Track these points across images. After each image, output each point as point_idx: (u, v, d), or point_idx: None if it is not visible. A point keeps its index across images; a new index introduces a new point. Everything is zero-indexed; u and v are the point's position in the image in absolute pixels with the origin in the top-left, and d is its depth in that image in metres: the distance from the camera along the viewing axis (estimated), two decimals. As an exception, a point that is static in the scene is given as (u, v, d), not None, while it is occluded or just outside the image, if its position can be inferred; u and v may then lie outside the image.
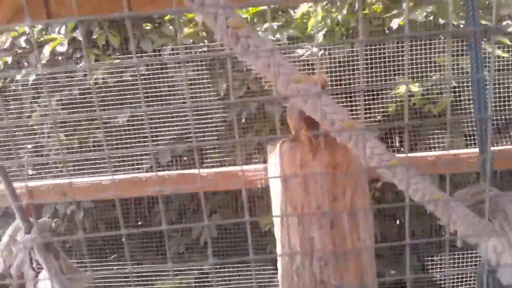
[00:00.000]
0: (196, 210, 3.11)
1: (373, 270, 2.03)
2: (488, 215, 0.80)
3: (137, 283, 2.95)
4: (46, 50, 2.88)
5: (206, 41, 3.01)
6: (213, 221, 2.97)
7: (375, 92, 2.85)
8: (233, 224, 2.95)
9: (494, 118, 2.67)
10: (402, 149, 3.02)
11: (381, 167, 0.67)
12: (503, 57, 2.70)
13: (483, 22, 2.73)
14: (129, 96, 2.79)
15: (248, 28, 0.58)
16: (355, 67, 2.78)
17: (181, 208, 3.03)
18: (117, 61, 2.92)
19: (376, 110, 2.89)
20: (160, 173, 2.35)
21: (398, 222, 3.08)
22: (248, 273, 2.75)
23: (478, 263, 2.69)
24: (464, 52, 2.76)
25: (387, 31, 2.82)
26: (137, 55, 2.88)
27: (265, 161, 2.11)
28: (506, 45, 2.72)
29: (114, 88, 2.81)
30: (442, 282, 2.90)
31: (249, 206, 2.95)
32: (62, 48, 2.88)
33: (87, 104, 2.83)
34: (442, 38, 2.84)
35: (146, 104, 2.79)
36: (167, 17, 3.05)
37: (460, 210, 0.76)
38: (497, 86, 2.74)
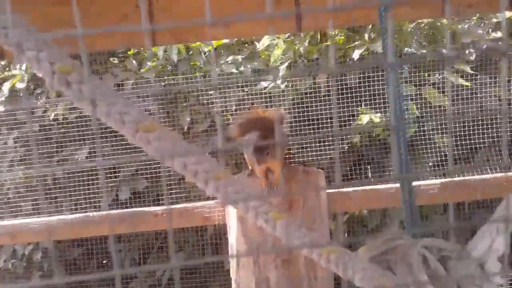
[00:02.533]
0: (161, 248, 3.02)
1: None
2: (392, 267, 0.75)
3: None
4: (5, 87, 2.84)
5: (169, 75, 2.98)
6: (178, 259, 2.88)
7: (341, 124, 2.82)
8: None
9: (457, 147, 2.64)
10: (372, 179, 2.97)
11: (258, 221, 0.62)
12: (466, 86, 2.69)
13: (444, 51, 2.74)
14: (90, 132, 2.73)
15: (80, 71, 0.53)
16: (317, 98, 2.75)
17: (145, 247, 2.94)
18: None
19: (342, 142, 2.85)
20: (113, 212, 2.28)
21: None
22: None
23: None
24: (426, 82, 2.76)
25: (349, 63, 2.81)
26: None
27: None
28: (468, 74, 2.72)
29: (74, 124, 2.76)
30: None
31: (215, 243, 2.87)
32: (21, 85, 2.83)
33: (46, 141, 2.77)
34: (407, 67, 2.83)
35: (107, 140, 2.74)
36: (131, 51, 3.02)
37: (358, 263, 0.70)
38: (458, 114, 2.72)
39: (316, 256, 0.67)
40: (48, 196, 2.71)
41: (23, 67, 2.96)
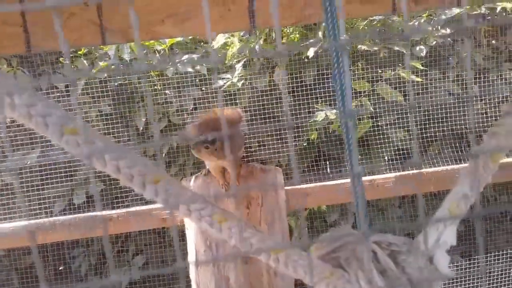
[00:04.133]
0: (121, 251, 2.95)
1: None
2: (343, 264, 0.75)
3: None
4: None
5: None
6: (137, 263, 2.82)
7: (298, 121, 2.84)
8: (160, 263, 2.81)
9: (411, 141, 2.71)
10: (331, 175, 3.01)
11: (202, 224, 0.60)
12: (417, 82, 2.76)
13: (396, 48, 2.79)
14: (40, 135, 2.62)
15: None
16: (274, 96, 2.76)
17: (103, 252, 2.86)
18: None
19: (300, 139, 2.87)
20: (68, 217, 2.20)
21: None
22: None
23: None
24: (380, 78, 2.81)
25: (306, 60, 2.83)
26: (48, 91, 2.74)
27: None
28: (420, 70, 2.78)
29: (25, 127, 2.64)
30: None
31: (172, 243, 2.82)
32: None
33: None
34: (360, 65, 2.88)
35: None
36: (81, 51, 2.93)
37: (305, 262, 0.69)
38: (416, 110, 2.79)
39: (264, 258, 0.66)
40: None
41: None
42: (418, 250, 0.77)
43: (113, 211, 2.08)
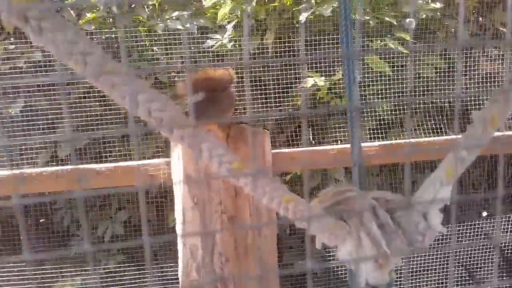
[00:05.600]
0: (103, 206, 2.96)
1: (274, 264, 2.03)
2: (344, 217, 0.79)
3: (38, 283, 2.77)
4: None
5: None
6: (119, 218, 2.85)
7: (285, 86, 2.86)
8: (139, 220, 2.84)
9: (395, 112, 2.77)
10: (313, 142, 3.06)
11: (221, 174, 0.63)
12: (405, 53, 2.80)
13: (386, 18, 2.81)
14: (23, 85, 2.58)
15: (39, 7, 0.50)
16: (265, 59, 2.76)
17: (87, 204, 2.87)
18: (12, 47, 2.69)
19: (286, 104, 2.90)
20: (54, 168, 2.19)
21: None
22: (155, 270, 2.67)
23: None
24: (368, 48, 2.83)
25: (297, 25, 2.82)
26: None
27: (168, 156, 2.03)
28: (407, 42, 2.82)
29: (7, 76, 2.59)
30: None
31: (157, 201, 2.85)
32: None
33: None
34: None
35: (44, 93, 2.60)
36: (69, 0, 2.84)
37: (313, 212, 0.74)
38: (398, 81, 2.84)
39: (276, 205, 0.70)
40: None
41: None
42: (413, 207, 0.82)
43: (101, 165, 2.08)
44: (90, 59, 0.51)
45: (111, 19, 2.88)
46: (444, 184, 0.79)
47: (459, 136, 0.81)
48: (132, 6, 2.88)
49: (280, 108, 2.89)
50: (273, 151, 2.15)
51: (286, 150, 2.26)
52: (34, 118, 2.56)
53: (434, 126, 2.81)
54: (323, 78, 2.63)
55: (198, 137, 0.60)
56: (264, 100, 2.84)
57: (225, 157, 0.62)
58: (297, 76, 2.81)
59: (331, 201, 0.80)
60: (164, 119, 0.56)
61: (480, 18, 3.21)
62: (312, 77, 2.68)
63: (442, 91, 2.85)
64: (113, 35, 2.81)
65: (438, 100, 2.81)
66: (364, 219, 0.78)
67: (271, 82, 2.79)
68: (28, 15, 0.49)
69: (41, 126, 2.60)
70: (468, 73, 2.90)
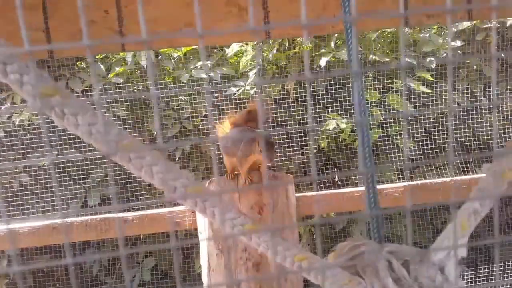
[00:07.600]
0: (131, 253, 3.00)
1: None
2: (360, 272, 0.79)
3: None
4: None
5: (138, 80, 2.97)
6: (146, 265, 2.88)
7: (307, 130, 2.89)
8: (168, 266, 2.86)
9: (419, 151, 2.75)
10: (339, 182, 3.05)
11: (234, 234, 0.65)
12: (427, 93, 2.80)
13: (407, 59, 2.84)
14: (57, 138, 2.69)
15: (62, 93, 0.55)
16: (286, 104, 2.81)
17: (115, 251, 2.91)
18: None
19: (309, 147, 2.92)
20: (83, 218, 2.26)
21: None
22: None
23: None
24: (390, 89, 2.86)
25: (317, 70, 2.88)
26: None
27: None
28: (429, 81, 2.83)
29: (40, 130, 2.72)
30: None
31: (186, 247, 2.87)
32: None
33: (12, 147, 2.71)
34: (371, 75, 2.93)
35: (75, 146, 2.71)
36: (99, 56, 2.99)
37: (328, 269, 0.74)
38: (422, 120, 2.83)
39: (289, 264, 0.71)
40: (14, 202, 2.65)
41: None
42: (430, 260, 0.82)
43: (129, 214, 2.14)
44: (107, 138, 0.56)
45: (138, 72, 3.00)
46: (459, 236, 0.78)
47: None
48: (159, 58, 3.01)
49: (304, 150, 2.91)
50: (297, 194, 2.16)
51: (310, 193, 2.26)
52: (65, 169, 2.67)
53: (460, 165, 2.77)
54: (344, 120, 2.65)
55: (209, 202, 0.63)
56: (287, 144, 2.87)
57: (237, 221, 0.65)
58: (319, 119, 2.84)
59: (347, 256, 0.81)
60: (177, 187, 0.60)
61: (503, 55, 3.19)
62: (335, 119, 2.70)
63: (467, 129, 2.82)
64: (140, 86, 2.93)
65: (464, 138, 2.78)
66: (380, 273, 0.79)
67: (295, 125, 2.83)
68: (52, 103, 0.54)
69: (75, 177, 2.70)
70: (492, 110, 2.87)
